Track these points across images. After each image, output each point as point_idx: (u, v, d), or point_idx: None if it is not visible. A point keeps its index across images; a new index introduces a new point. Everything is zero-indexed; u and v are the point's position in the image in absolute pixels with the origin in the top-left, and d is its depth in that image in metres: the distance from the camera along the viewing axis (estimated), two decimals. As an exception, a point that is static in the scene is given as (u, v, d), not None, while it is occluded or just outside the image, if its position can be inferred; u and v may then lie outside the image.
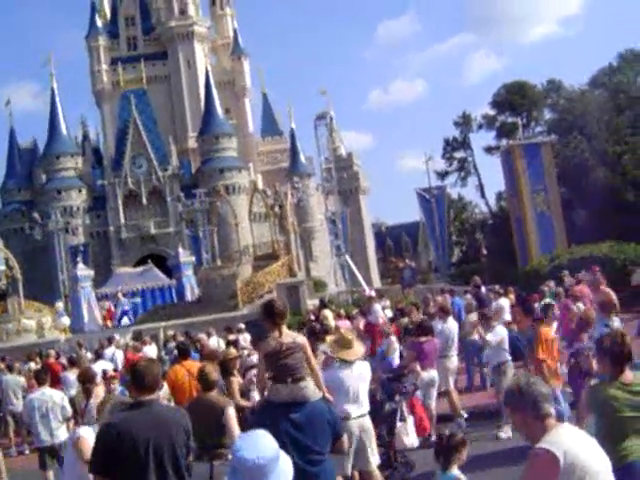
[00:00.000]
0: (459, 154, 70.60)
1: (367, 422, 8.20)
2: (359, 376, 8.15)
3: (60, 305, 37.30)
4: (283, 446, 4.81)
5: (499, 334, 12.10)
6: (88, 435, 6.03)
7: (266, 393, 6.25)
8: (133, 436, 4.85)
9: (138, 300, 40.92)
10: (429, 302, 18.28)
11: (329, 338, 9.43)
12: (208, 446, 6.58)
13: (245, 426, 6.55)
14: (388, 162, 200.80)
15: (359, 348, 8.50)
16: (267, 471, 3.38)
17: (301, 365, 5.91)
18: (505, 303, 17.72)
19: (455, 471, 5.90)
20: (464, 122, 69.22)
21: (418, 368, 11.63)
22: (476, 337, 14.92)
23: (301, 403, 5.72)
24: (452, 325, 13.74)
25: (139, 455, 4.84)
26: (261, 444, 3.45)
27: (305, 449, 5.52)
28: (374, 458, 8.21)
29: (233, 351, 11.79)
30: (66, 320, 35.26)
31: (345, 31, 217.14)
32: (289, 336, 6.08)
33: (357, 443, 7.85)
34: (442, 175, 68.02)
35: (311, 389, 5.85)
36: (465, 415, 12.62)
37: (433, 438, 11.63)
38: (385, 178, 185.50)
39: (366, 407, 8.27)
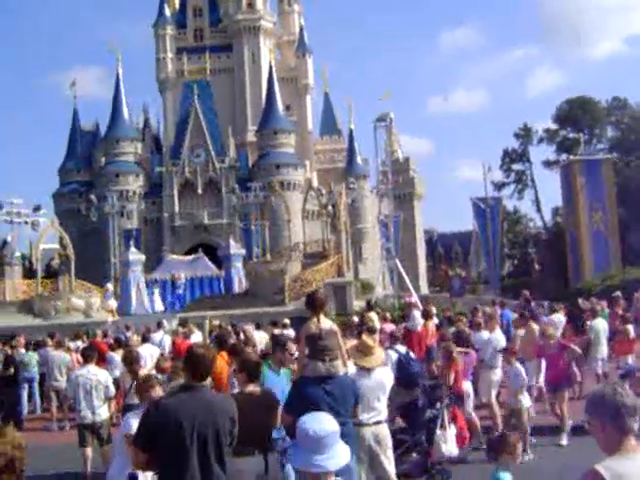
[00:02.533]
0: (517, 166, 69.95)
1: (383, 430, 8.08)
2: (378, 383, 8.04)
3: (110, 287, 37.78)
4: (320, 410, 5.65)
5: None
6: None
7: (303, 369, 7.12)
8: (179, 417, 4.94)
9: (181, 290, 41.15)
10: (478, 312, 18.08)
11: (350, 343, 9.31)
12: (261, 438, 6.55)
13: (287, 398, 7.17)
14: (444, 169, 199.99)
15: (380, 355, 8.55)
16: (325, 444, 3.68)
17: (336, 347, 6.80)
18: (558, 319, 17.47)
19: (503, 474, 6.09)
20: (524, 134, 68.53)
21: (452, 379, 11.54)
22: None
23: (332, 377, 6.61)
24: (499, 336, 13.58)
25: (183, 436, 4.92)
26: (322, 420, 3.81)
27: (337, 413, 6.19)
28: (390, 467, 8.13)
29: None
30: (113, 302, 35.71)
31: (409, 36, 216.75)
32: (326, 323, 7.18)
33: (370, 451, 7.75)
34: (499, 186, 67.33)
35: (341, 366, 6.81)
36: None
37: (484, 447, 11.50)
38: (440, 185, 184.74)
39: (383, 415, 8.15)
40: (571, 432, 11.75)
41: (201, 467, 4.97)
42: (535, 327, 14.96)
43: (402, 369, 10.53)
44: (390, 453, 8.16)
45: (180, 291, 39.96)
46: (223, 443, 5.08)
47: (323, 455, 3.67)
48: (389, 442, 8.18)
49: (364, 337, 8.80)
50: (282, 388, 7.32)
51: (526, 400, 11.54)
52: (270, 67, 75.92)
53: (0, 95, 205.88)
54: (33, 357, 18.41)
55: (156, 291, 40.73)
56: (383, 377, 8.27)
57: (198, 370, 5.17)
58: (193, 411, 4.99)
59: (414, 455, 9.98)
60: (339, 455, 3.73)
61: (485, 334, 13.46)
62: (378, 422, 7.98)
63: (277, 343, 7.76)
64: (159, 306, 39.37)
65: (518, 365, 11.76)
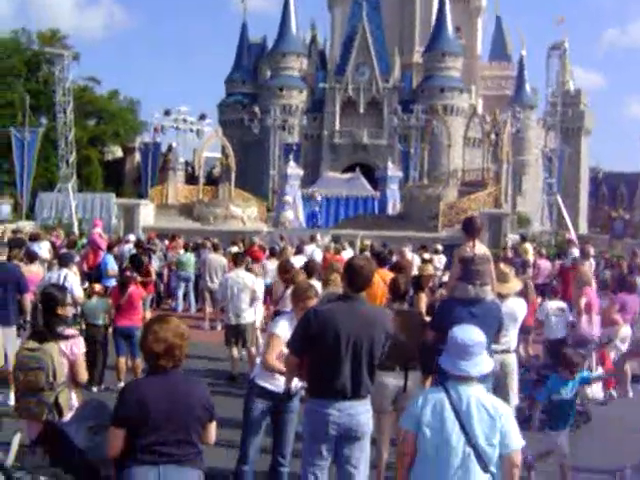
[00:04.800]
0: (698, 105, 65.50)
1: (509, 359, 8.07)
2: (510, 311, 7.93)
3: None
4: None
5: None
6: (282, 332, 6.13)
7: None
8: (337, 325, 5.03)
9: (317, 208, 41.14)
10: (637, 256, 17.39)
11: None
12: (404, 357, 6.74)
13: (434, 317, 7.37)
14: (616, 106, 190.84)
15: (515, 284, 8.55)
16: (471, 352, 4.13)
17: (488, 273, 6.96)
18: None
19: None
20: None
21: (621, 320, 11.18)
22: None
23: (480, 300, 6.79)
24: (656, 281, 13.02)
25: (338, 343, 5.02)
26: (471, 331, 4.25)
27: None
28: (513, 398, 8.14)
29: (430, 268, 11.79)
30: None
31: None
32: (481, 248, 7.21)
33: (495, 379, 7.64)
34: (675, 126, 63.40)
35: (489, 292, 6.95)
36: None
37: (630, 394, 11.21)
38: (610, 122, 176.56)
39: (511, 344, 8.13)
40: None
41: (352, 376, 5.07)
42: None
43: None
44: (515, 383, 8.20)
45: (317, 208, 40.06)
46: (375, 355, 5.15)
47: (468, 362, 4.11)
48: (515, 372, 8.22)
49: (501, 265, 8.74)
50: None
51: None
52: (443, -14, 73.97)
53: (175, 4, 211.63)
54: (191, 258, 19.15)
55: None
56: (515, 306, 8.26)
57: (356, 281, 5.20)
58: (350, 320, 5.06)
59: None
60: (482, 363, 4.16)
61: (643, 278, 12.93)
62: (506, 350, 7.99)
63: None
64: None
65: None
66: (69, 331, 6.27)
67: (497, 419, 4.00)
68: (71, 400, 6.12)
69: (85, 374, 6.29)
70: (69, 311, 9.04)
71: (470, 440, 3.97)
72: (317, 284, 10.31)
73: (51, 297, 6.29)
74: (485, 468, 3.97)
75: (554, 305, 11.00)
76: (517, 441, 4.03)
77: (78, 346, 6.22)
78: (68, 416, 5.74)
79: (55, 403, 5.85)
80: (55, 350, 5.93)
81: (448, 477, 3.99)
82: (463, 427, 3.99)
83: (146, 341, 4.02)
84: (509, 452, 4.00)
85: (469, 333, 4.21)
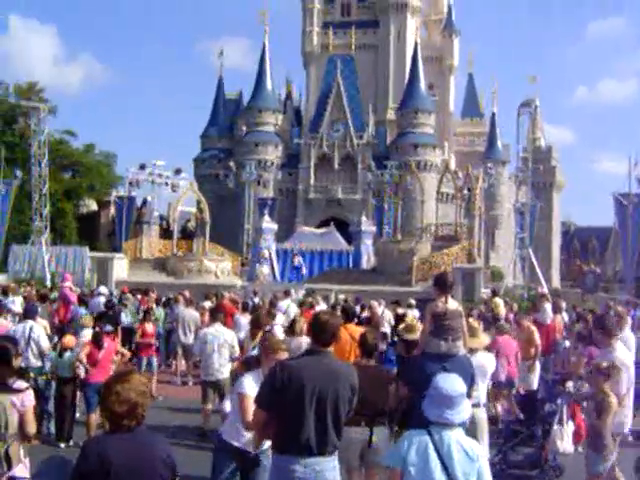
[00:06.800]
0: (667, 162, 66.69)
1: (478, 413, 8.08)
2: (479, 366, 8.01)
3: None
4: None
5: None
6: (251, 391, 6.09)
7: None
8: (302, 379, 5.03)
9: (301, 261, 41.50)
10: (609, 310, 17.49)
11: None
12: (370, 412, 6.71)
13: (406, 372, 7.44)
14: (586, 161, 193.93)
15: (484, 339, 8.76)
16: (455, 402, 4.42)
17: (460, 328, 7.11)
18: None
19: None
20: (678, 130, 65.25)
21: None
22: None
23: (453, 356, 6.95)
24: (629, 335, 13.11)
25: (303, 399, 5.01)
26: (455, 382, 4.52)
27: None
28: (484, 450, 8.11)
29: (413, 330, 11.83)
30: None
31: (557, 25, 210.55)
32: (453, 304, 7.23)
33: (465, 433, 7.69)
34: (644, 182, 64.41)
35: (461, 347, 7.11)
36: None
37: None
38: (581, 177, 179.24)
39: (482, 398, 8.21)
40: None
41: (317, 431, 5.03)
42: None
43: None
44: (485, 437, 8.21)
45: (301, 263, 40.43)
46: (341, 410, 5.14)
47: (453, 410, 4.42)
48: (484, 426, 8.24)
49: (470, 319, 8.85)
50: None
51: None
52: (415, 45, 75.27)
53: (152, 60, 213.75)
54: (161, 312, 19.10)
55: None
56: (484, 361, 8.38)
57: (322, 336, 5.24)
58: (316, 375, 5.06)
59: (528, 448, 9.81)
60: (464, 410, 4.48)
61: (614, 332, 13.01)
62: (476, 405, 7.96)
63: None
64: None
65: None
66: (20, 383, 6.23)
67: (475, 460, 4.34)
68: (19, 452, 6.08)
69: (34, 427, 6.24)
70: (20, 362, 8.97)
71: (451, 478, 4.28)
72: None
73: (2, 350, 6.17)
74: None
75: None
76: (489, 479, 4.41)
77: (29, 398, 6.18)
78: (16, 468, 5.71)
79: (5, 454, 5.82)
80: (7, 402, 5.91)
81: None
82: (445, 467, 4.30)
83: (108, 402, 3.94)
84: None
85: (454, 384, 4.50)
